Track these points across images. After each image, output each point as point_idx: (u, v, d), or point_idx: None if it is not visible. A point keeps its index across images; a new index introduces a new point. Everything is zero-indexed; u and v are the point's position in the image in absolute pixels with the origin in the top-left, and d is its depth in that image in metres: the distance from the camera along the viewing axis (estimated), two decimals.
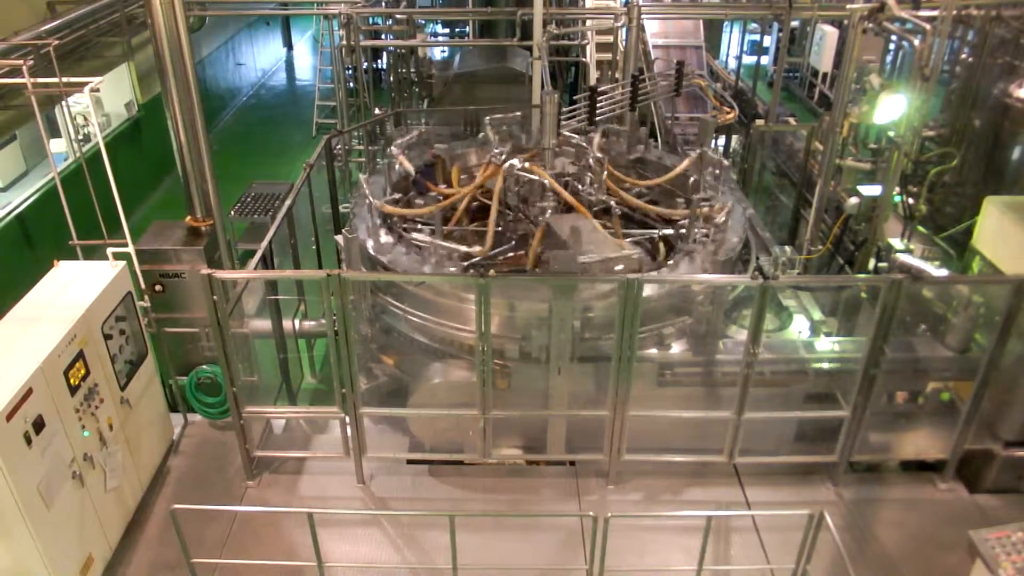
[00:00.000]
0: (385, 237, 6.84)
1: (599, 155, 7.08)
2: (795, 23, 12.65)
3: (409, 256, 6.62)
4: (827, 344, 6.72)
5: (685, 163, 7.51)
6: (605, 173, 7.10)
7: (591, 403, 6.30)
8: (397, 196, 7.64)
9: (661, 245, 7.42)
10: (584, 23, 12.92)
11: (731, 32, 19.52)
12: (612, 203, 7.14)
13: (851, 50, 7.65)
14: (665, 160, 8.20)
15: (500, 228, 7.01)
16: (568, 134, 7.71)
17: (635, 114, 9.01)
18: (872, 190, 8.37)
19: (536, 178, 6.79)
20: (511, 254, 6.99)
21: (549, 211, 6.78)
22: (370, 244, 6.76)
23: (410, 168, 7.53)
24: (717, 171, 7.40)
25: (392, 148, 7.69)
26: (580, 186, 7.18)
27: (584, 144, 7.29)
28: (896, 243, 8.01)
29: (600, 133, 7.85)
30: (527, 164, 6.83)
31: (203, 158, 6.94)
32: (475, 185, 7.17)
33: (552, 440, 6.52)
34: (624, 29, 10.49)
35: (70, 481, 5.45)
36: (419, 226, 7.30)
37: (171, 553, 5.83)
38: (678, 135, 10.69)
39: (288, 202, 7.56)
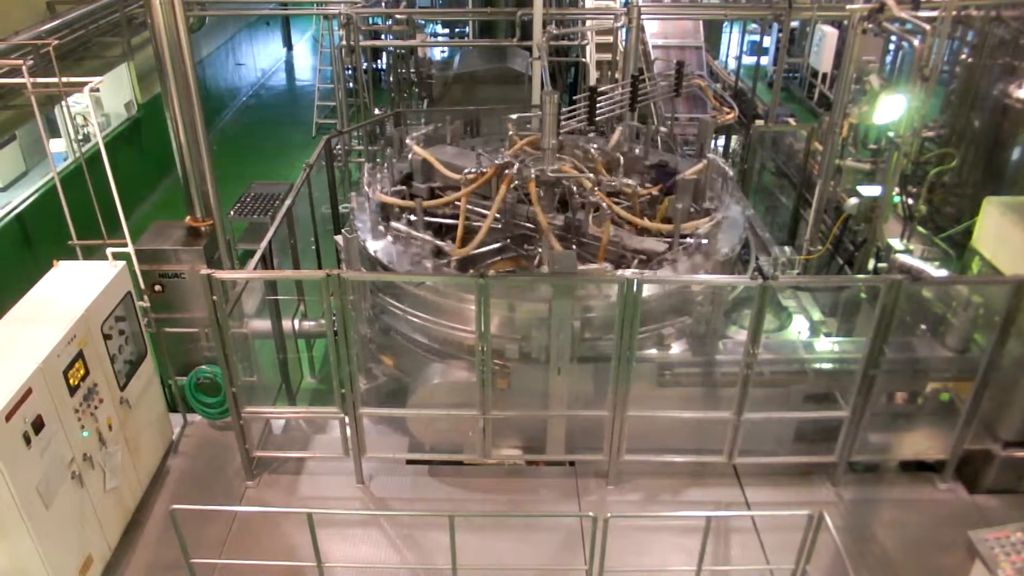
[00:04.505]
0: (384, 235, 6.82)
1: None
2: (795, 24, 12.67)
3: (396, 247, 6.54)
4: (827, 344, 6.73)
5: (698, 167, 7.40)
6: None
7: (591, 403, 6.30)
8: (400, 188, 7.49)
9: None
10: (584, 23, 12.93)
11: (731, 32, 19.49)
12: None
13: (851, 50, 7.66)
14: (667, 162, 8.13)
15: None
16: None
17: (635, 114, 9.01)
18: (872, 190, 8.38)
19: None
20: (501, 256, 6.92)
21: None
22: (370, 243, 6.73)
23: (426, 155, 7.31)
24: (721, 178, 7.37)
25: (408, 140, 7.56)
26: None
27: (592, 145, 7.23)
28: (896, 243, 8.02)
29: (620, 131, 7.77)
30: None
31: (203, 158, 6.94)
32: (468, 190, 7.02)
33: (552, 440, 6.51)
34: (624, 29, 10.50)
35: (69, 481, 5.44)
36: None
37: (170, 553, 5.82)
38: (678, 135, 10.69)
39: (288, 202, 7.56)
